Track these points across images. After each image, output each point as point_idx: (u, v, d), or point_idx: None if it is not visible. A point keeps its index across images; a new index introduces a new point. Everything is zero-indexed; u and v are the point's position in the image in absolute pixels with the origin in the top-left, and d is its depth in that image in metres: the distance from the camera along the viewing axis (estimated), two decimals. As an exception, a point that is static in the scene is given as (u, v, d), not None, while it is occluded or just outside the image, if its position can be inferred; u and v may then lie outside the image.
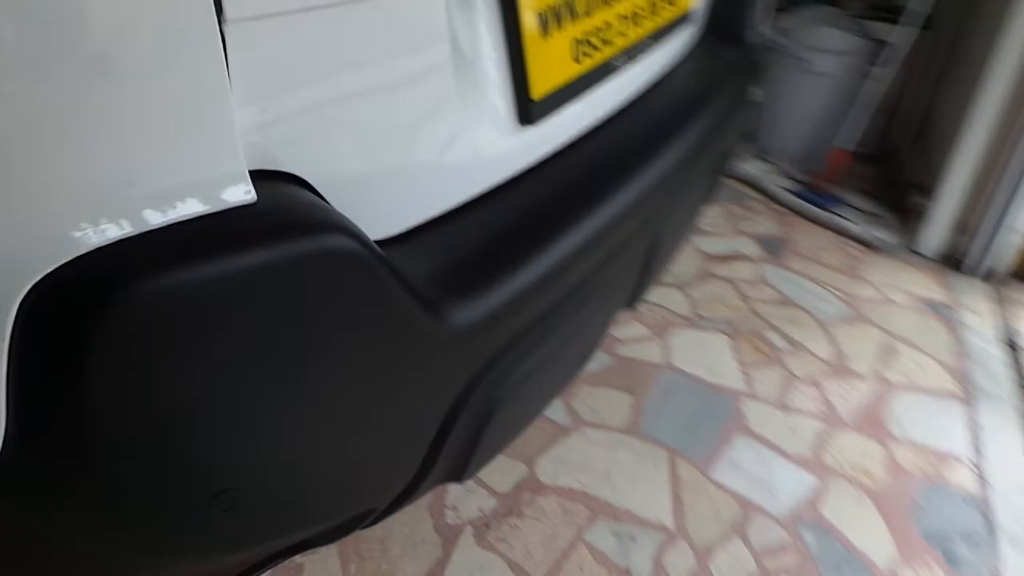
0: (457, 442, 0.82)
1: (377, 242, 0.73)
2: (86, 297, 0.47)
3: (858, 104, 2.58)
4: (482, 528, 1.38)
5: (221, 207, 0.54)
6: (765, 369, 1.84)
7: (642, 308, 2.00)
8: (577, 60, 0.97)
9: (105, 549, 0.62)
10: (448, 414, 0.78)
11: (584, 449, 1.57)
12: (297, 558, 1.29)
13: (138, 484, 0.56)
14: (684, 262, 2.22)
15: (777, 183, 2.72)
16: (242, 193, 0.55)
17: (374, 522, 0.88)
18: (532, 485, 1.48)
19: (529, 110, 0.88)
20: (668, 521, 1.44)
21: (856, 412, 1.74)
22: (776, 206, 2.62)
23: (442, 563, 1.32)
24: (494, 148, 0.87)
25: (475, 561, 1.32)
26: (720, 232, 2.41)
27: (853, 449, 1.64)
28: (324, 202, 0.64)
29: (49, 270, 0.47)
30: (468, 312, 0.73)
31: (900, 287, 2.22)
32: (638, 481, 1.51)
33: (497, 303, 0.76)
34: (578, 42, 0.96)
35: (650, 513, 1.45)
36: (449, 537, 1.36)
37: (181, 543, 0.62)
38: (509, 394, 0.85)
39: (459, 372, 0.77)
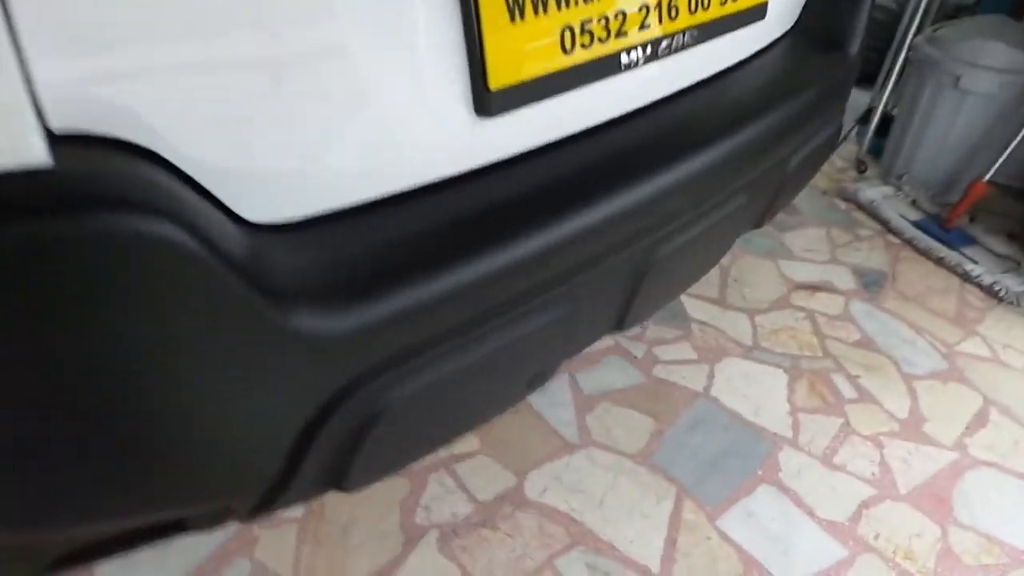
0: (329, 450, 0.76)
1: (262, 226, 0.68)
2: None
3: (1017, 130, 2.22)
4: (449, 534, 1.32)
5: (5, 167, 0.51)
6: (820, 417, 1.63)
7: (696, 328, 1.84)
8: (567, 51, 0.86)
9: None
10: (312, 420, 0.72)
11: (584, 470, 1.45)
12: (255, 529, 1.29)
13: None
14: (760, 285, 2.02)
15: (898, 210, 2.40)
16: (32, 155, 0.52)
17: (253, 516, 0.83)
18: (516, 498, 1.39)
19: (486, 101, 0.79)
20: (654, 564, 1.30)
21: (918, 484, 1.49)
22: (890, 237, 2.32)
23: (396, 562, 1.26)
24: (436, 139, 0.79)
25: (432, 567, 1.26)
26: (813, 257, 2.17)
27: (901, 525, 1.40)
28: (164, 176, 0.59)
29: None
30: (336, 320, 0.66)
31: (1020, 348, 1.89)
32: (633, 514, 1.38)
33: (380, 314, 0.69)
34: (571, 30, 0.86)
35: (636, 551, 1.32)
36: (412, 536, 1.31)
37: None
38: (400, 408, 0.77)
39: (323, 378, 0.70)
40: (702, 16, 1.04)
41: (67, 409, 0.57)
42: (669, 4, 0.98)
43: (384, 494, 1.37)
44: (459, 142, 0.82)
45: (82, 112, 0.55)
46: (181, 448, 0.65)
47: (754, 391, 1.67)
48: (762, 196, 1.22)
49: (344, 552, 1.27)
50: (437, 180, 0.81)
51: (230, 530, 1.29)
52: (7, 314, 0.50)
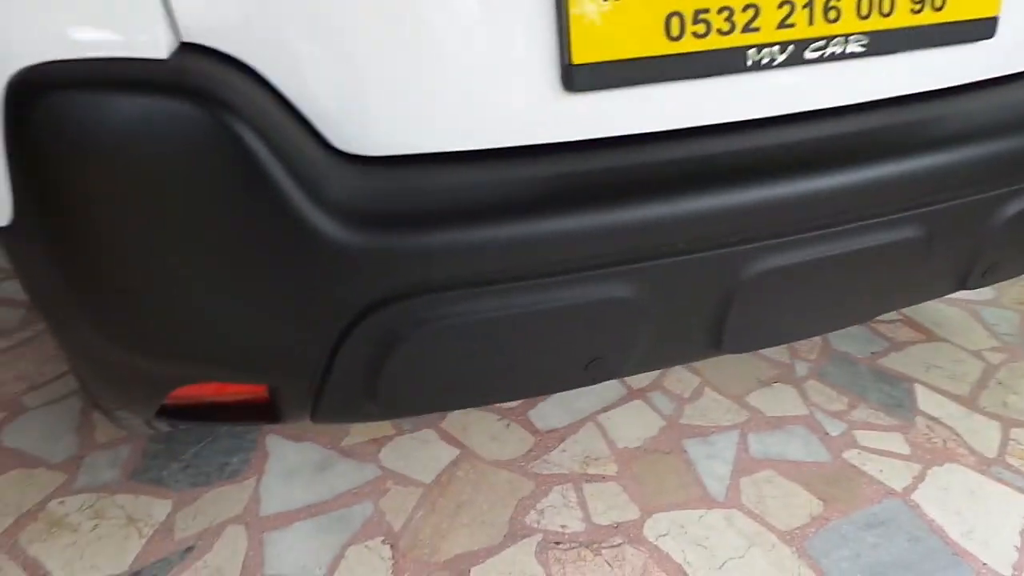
0: (361, 355, 0.84)
1: (345, 154, 0.81)
2: (9, 101, 0.68)
3: None
4: (550, 544, 1.29)
5: (133, 55, 0.70)
6: (1065, 566, 1.24)
7: (921, 423, 1.53)
8: (674, 37, 0.86)
9: (71, 320, 0.84)
10: (345, 323, 0.81)
11: (717, 528, 1.31)
12: (389, 482, 1.41)
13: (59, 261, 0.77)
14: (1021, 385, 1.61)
15: None
16: (156, 51, 0.70)
17: (317, 415, 0.94)
18: (631, 532, 1.30)
19: (570, 75, 0.84)
20: (760, 653, 1.12)
21: None
22: None
23: (491, 551, 1.28)
24: (522, 106, 0.85)
25: (521, 566, 1.25)
26: None
27: None
28: (249, 86, 0.75)
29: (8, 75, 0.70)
30: (373, 238, 0.77)
31: None
32: (756, 593, 1.20)
33: (412, 244, 0.78)
34: (679, 17, 0.86)
35: (743, 632, 1.15)
36: (515, 533, 1.31)
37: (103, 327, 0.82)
38: (426, 336, 0.83)
39: (358, 285, 0.79)
40: (878, 23, 0.93)
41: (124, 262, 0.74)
42: (826, 4, 0.90)
43: (506, 488, 1.40)
44: (543, 114, 0.86)
45: (205, 29, 0.72)
46: (247, 313, 0.79)
47: (975, 510, 1.34)
48: (954, 244, 1.01)
49: (449, 526, 1.32)
50: (514, 146, 0.86)
51: (368, 474, 1.43)
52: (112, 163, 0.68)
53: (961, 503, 1.36)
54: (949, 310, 1.90)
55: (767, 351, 1.75)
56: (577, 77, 0.83)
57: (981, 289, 1.97)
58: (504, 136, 0.85)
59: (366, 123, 0.81)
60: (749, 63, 0.88)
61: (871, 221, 0.94)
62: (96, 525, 1.33)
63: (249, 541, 1.30)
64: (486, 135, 0.84)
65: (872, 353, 1.75)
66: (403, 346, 0.81)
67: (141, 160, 0.70)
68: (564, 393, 1.63)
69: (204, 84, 0.70)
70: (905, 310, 1.90)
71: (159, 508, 1.36)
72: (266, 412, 0.96)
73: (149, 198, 0.71)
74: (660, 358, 1.01)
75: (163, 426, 1.30)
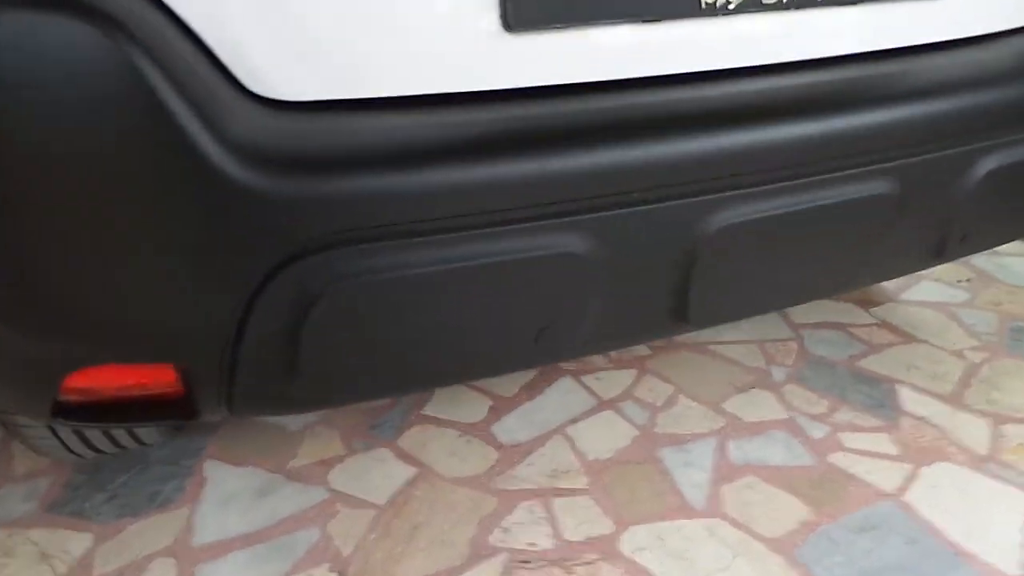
0: (273, 323, 0.73)
1: (259, 97, 0.72)
2: None
3: None
4: (517, 563, 1.16)
5: None
6: (1072, 563, 1.15)
7: (906, 423, 1.45)
8: None
9: None
10: (259, 282, 0.71)
11: (698, 540, 1.20)
12: (338, 504, 1.28)
13: None
14: (1021, 393, 1.53)
15: None
16: None
17: (233, 407, 0.82)
18: (605, 548, 1.19)
19: (510, 11, 0.76)
20: (753, 673, 1.00)
21: None
22: None
23: (451, 574, 1.15)
24: (460, 47, 0.77)
25: (485, 590, 1.12)
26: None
27: None
28: (156, 17, 0.66)
29: None
30: (286, 182, 0.68)
31: None
32: (744, 607, 1.09)
33: (325, 191, 0.69)
34: None
35: (733, 650, 1.03)
36: (479, 554, 1.18)
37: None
38: (341, 294, 0.73)
39: (265, 239, 0.69)
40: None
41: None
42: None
43: (468, 506, 1.27)
44: (482, 57, 0.78)
45: None
46: (145, 275, 0.69)
47: (971, 510, 1.25)
48: (927, 203, 0.95)
49: (404, 550, 1.19)
50: (449, 92, 0.77)
51: (315, 497, 1.30)
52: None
53: (957, 503, 1.27)
54: (925, 312, 1.84)
55: (741, 357, 1.66)
56: (518, 13, 0.75)
57: (956, 292, 1.93)
58: (440, 82, 0.77)
59: (282, 67, 0.72)
60: (703, 6, 0.82)
61: (835, 175, 0.87)
62: (3, 565, 1.17)
63: (179, 575, 1.16)
64: (420, 81, 0.76)
65: (850, 356, 1.67)
66: (321, 307, 0.71)
67: (25, 85, 0.60)
68: (528, 406, 1.52)
69: (94, 1, 0.61)
70: (880, 314, 1.84)
71: (77, 542, 1.21)
72: (179, 407, 0.83)
73: (28, 131, 0.61)
74: (620, 332, 0.91)
75: (75, 443, 1.17)
